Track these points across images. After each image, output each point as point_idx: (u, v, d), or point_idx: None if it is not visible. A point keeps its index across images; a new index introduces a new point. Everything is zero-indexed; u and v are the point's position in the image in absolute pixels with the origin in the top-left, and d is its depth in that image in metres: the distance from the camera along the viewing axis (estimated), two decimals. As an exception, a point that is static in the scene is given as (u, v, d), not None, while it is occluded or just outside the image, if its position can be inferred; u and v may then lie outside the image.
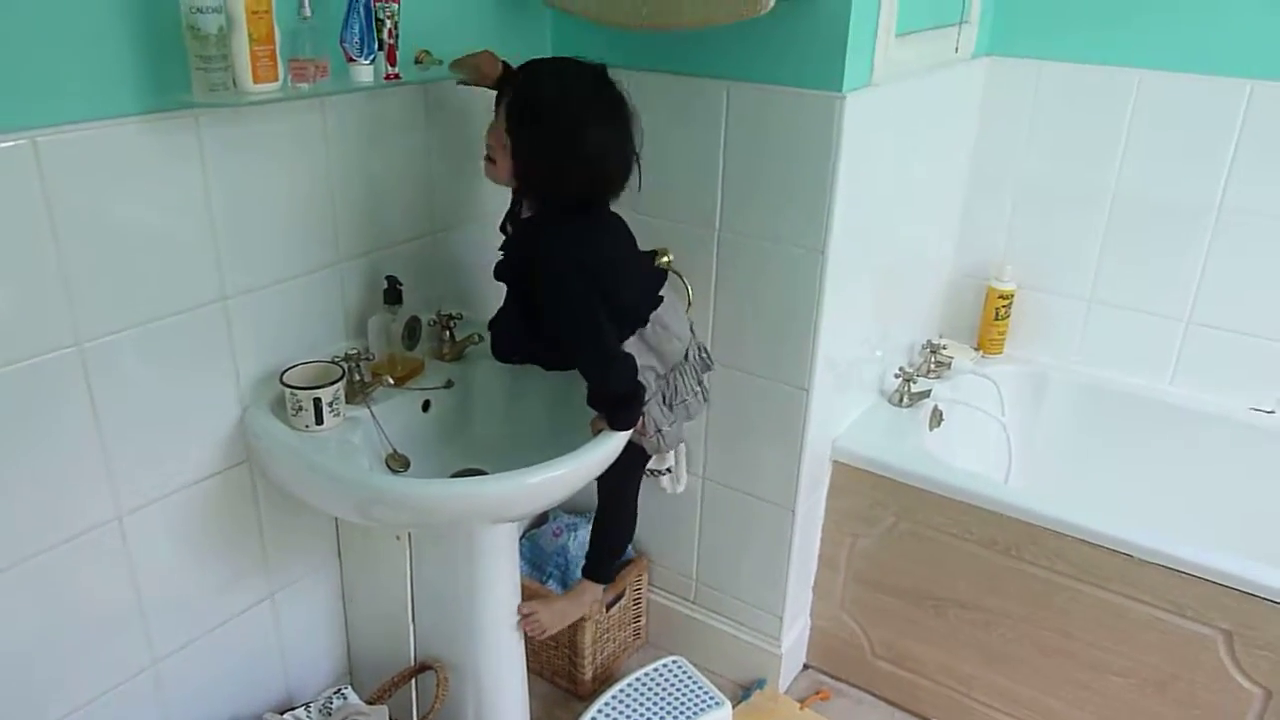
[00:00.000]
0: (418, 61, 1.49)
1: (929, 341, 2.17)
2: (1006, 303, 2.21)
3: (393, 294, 1.53)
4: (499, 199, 1.52)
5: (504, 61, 1.49)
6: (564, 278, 1.37)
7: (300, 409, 1.38)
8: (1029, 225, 2.17)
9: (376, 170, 1.54)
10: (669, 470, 1.81)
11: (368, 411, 1.46)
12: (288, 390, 1.38)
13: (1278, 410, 2.02)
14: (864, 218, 1.69)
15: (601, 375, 1.42)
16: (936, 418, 2.04)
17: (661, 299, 1.52)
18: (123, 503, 1.32)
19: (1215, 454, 2.04)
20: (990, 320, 2.24)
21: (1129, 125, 2.00)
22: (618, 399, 1.43)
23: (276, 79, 1.23)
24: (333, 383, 1.39)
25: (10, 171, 1.09)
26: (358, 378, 1.48)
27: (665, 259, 1.71)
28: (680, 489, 1.86)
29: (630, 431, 1.47)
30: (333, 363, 1.45)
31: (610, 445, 1.41)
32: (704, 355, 1.62)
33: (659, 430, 1.55)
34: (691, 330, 1.60)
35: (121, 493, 1.31)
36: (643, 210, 1.68)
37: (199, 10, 1.13)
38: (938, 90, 1.93)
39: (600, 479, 1.51)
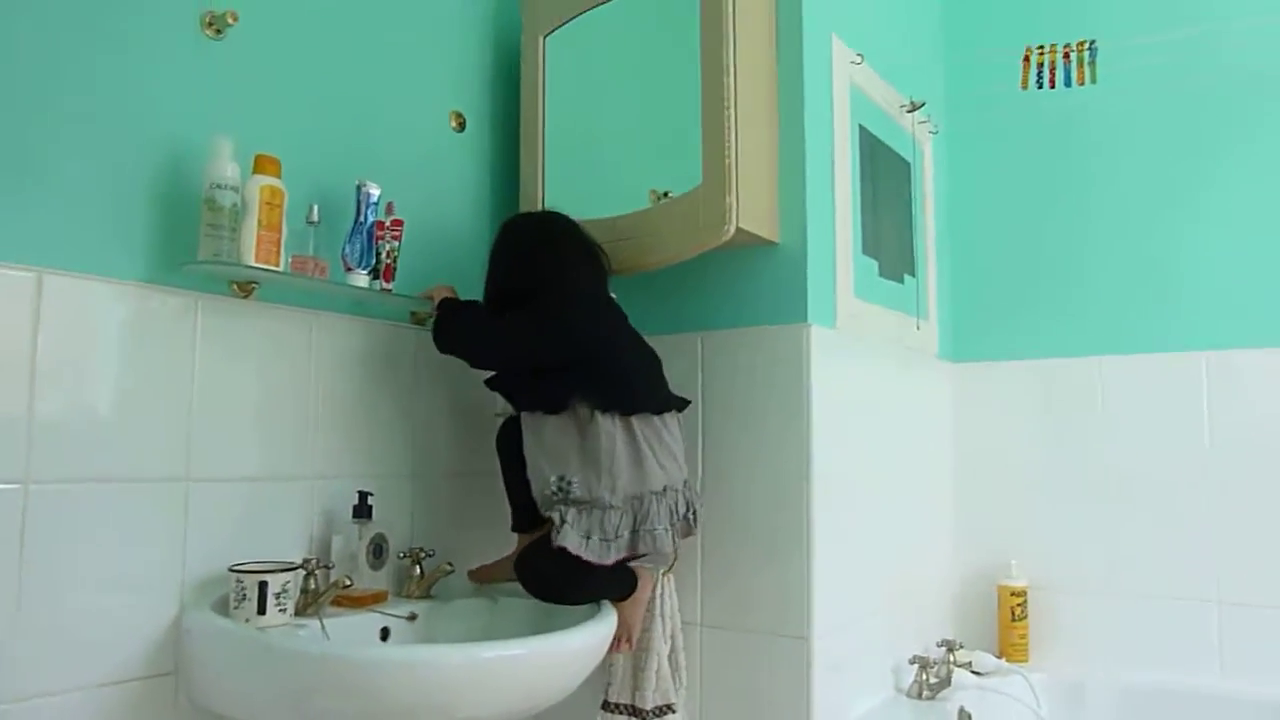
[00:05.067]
0: (419, 322, 1.65)
1: (944, 640, 1.98)
2: (1021, 600, 2.07)
3: (363, 509, 1.48)
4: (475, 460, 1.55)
5: None
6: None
7: (244, 598, 1.26)
8: (1028, 516, 2.13)
9: (360, 396, 1.57)
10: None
11: (318, 624, 1.33)
12: (233, 577, 1.27)
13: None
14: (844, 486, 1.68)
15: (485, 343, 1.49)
16: (964, 718, 1.80)
17: (677, 404, 1.51)
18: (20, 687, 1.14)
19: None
20: (1008, 622, 2.08)
21: (1101, 408, 2.07)
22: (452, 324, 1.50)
23: (278, 264, 1.34)
24: (285, 570, 1.29)
25: (9, 299, 1.15)
26: (313, 585, 1.37)
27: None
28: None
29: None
30: (289, 563, 1.35)
31: (594, 632, 1.26)
32: (690, 515, 1.45)
33: (596, 537, 1.37)
34: (686, 482, 1.48)
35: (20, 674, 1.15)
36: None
37: (218, 186, 1.28)
38: (909, 387, 2.03)
39: None
